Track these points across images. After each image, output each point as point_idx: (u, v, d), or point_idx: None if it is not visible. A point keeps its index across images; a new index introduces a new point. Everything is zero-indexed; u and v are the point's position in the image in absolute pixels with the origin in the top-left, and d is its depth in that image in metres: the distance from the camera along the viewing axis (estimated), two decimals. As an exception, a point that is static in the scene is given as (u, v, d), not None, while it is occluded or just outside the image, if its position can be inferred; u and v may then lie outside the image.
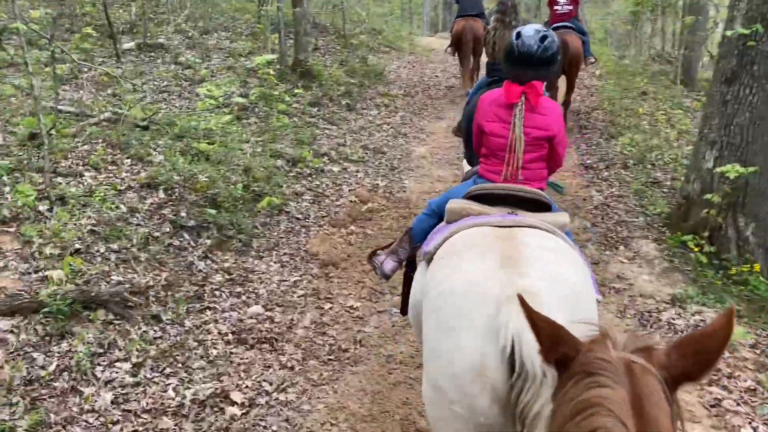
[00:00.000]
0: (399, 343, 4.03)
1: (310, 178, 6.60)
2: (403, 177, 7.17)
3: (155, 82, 8.41)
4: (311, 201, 6.16)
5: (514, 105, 2.65)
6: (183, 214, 4.90)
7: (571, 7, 8.23)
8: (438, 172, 7.26)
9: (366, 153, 7.65)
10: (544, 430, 1.64)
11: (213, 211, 5.01)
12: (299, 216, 5.80)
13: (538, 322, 1.24)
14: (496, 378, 1.88)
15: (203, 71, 8.96)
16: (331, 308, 4.44)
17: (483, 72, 4.97)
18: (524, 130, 2.64)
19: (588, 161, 7.40)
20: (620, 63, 13.08)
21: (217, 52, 10.22)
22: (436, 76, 12.10)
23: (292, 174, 6.51)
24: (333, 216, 5.93)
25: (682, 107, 9.22)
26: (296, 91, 8.34)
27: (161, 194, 5.05)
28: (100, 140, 5.58)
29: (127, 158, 5.44)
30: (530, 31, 2.73)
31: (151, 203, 4.90)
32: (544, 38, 2.69)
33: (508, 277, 2.00)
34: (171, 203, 5.00)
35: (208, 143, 6.11)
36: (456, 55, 10.32)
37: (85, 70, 6.98)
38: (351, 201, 6.33)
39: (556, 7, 8.31)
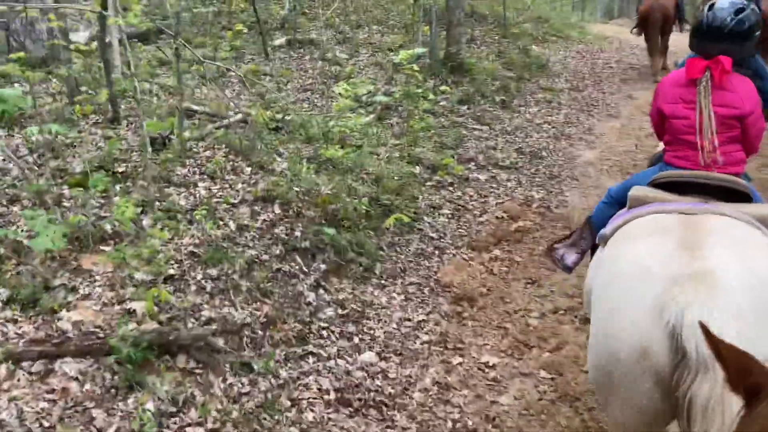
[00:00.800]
0: (547, 427, 3.02)
1: (451, 188, 5.71)
2: (564, 188, 6.04)
3: (299, 80, 8.01)
4: (450, 216, 5.27)
5: (697, 81, 2.44)
6: (297, 233, 4.27)
7: None
8: (608, 182, 5.99)
9: (520, 158, 6.60)
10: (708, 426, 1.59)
11: (331, 231, 4.31)
12: (433, 235, 4.94)
13: (723, 351, 1.06)
14: (658, 362, 1.80)
15: (349, 67, 8.43)
16: (460, 363, 3.54)
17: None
18: (711, 108, 2.42)
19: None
20: None
21: (367, 46, 9.68)
22: (610, 67, 10.59)
23: (429, 183, 5.67)
24: (474, 236, 5.00)
25: None
26: (442, 87, 7.46)
27: (276, 209, 4.46)
28: (224, 145, 5.15)
29: (248, 166, 4.94)
30: (725, 3, 2.56)
31: (264, 220, 4.32)
32: (739, 11, 2.52)
33: (681, 259, 1.91)
34: (286, 220, 4.39)
35: (340, 147, 5.47)
36: (642, 36, 9.41)
37: (232, 68, 6.70)
38: (497, 217, 5.36)
39: None
